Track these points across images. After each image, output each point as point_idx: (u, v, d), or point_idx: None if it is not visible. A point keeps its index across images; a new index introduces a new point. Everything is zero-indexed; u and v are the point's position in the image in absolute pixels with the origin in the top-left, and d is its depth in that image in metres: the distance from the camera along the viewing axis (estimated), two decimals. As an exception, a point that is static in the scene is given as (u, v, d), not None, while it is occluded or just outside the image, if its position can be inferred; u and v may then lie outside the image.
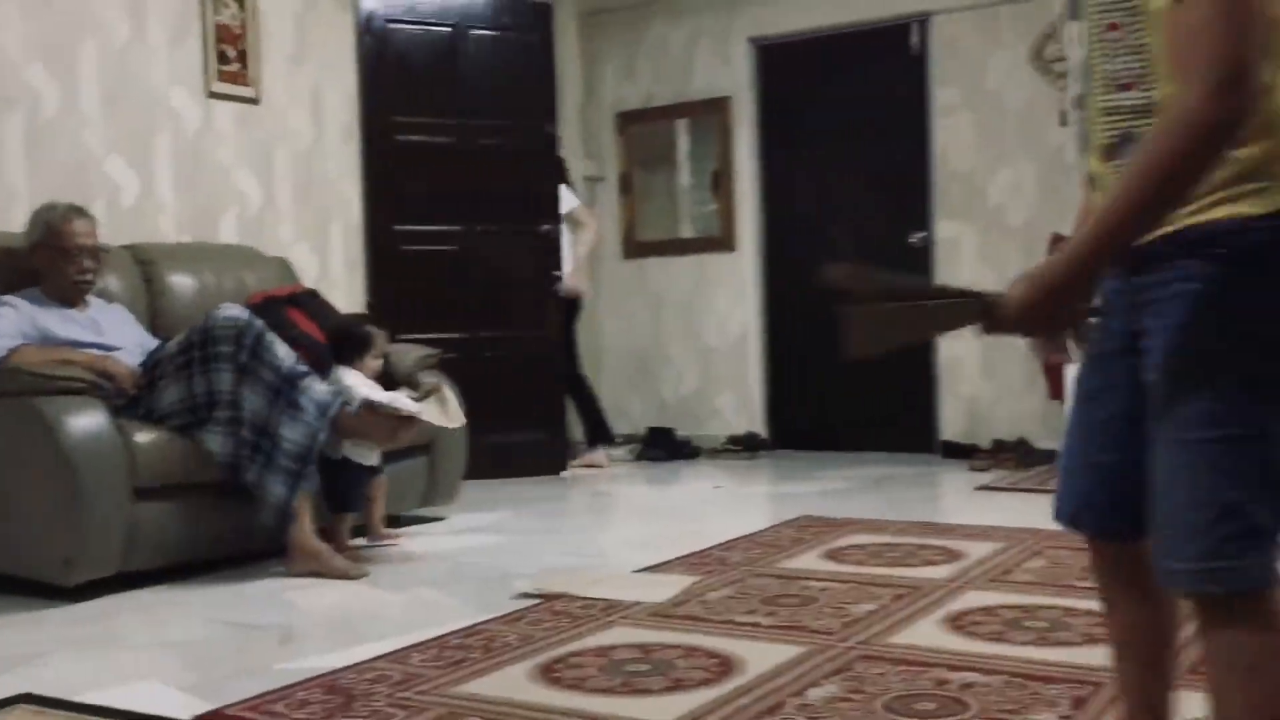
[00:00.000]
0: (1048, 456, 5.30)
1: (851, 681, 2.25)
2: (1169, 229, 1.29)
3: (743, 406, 6.39)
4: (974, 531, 3.76)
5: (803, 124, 6.29)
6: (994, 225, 5.80)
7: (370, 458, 3.72)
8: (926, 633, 2.60)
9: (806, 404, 6.32)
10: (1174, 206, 1.25)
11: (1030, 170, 5.71)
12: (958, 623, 2.67)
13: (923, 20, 5.92)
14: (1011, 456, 5.39)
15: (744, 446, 6.16)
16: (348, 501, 3.71)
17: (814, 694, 2.19)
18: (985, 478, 5.10)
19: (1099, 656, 2.35)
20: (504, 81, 5.56)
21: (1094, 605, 2.72)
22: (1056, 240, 5.38)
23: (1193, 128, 1.18)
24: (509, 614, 2.87)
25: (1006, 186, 5.76)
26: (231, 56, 4.73)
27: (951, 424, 5.95)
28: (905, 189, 6.00)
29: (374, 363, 3.89)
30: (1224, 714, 1.30)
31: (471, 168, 5.44)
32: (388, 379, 3.99)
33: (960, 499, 4.72)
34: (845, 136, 6.18)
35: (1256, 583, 1.27)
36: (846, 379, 5.77)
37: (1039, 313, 1.32)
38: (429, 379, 4.10)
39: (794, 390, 6.34)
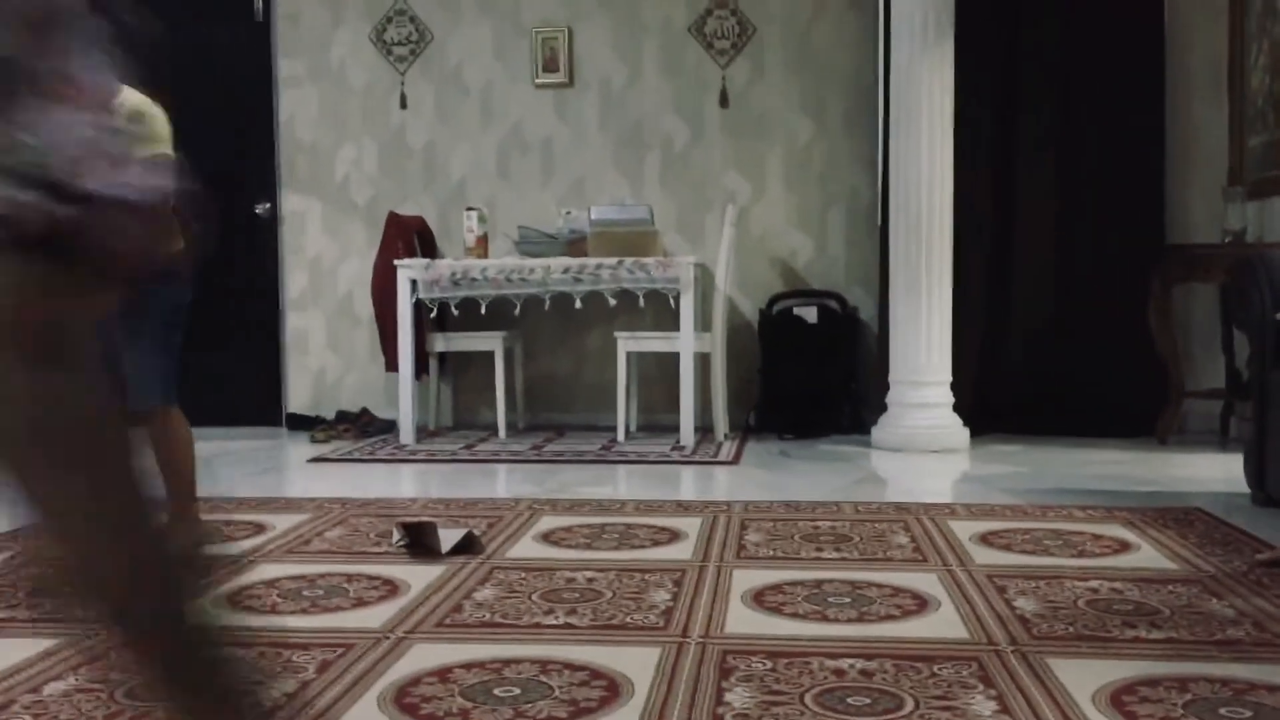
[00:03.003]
0: (388, 426, 5.52)
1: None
2: None
3: None
4: (283, 504, 3.81)
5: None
6: (340, 200, 5.89)
7: None
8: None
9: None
10: None
11: (372, 148, 5.86)
12: (236, 599, 2.69)
13: (267, -13, 5.84)
14: (350, 427, 5.52)
15: None
16: None
17: None
18: (323, 449, 5.19)
19: (364, 619, 2.50)
20: None
21: (376, 570, 2.90)
22: (394, 219, 5.59)
23: None
24: None
25: (349, 163, 5.87)
26: None
27: (298, 396, 5.97)
28: (252, 159, 5.89)
29: None
30: None
31: None
32: None
33: (290, 472, 4.75)
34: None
35: None
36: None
37: None
38: None
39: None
